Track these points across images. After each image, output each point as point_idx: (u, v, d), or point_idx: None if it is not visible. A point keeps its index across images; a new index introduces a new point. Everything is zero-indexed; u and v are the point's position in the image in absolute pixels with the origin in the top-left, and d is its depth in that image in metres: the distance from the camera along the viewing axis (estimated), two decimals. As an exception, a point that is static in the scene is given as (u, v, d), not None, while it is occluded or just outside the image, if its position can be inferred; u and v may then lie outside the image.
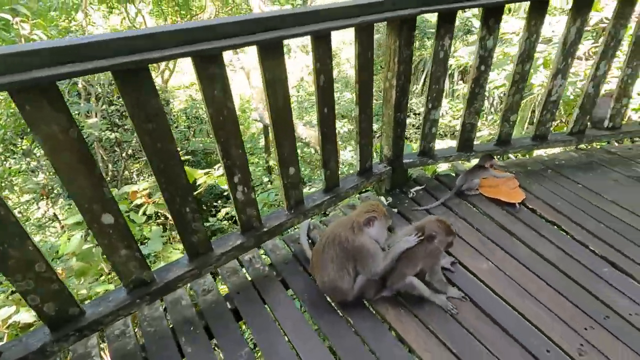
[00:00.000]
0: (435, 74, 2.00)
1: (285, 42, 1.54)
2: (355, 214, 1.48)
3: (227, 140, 1.45)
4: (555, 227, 1.93)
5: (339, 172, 2.01)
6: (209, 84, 1.32)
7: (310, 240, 1.92)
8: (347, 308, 1.55)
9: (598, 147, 2.71)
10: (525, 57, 2.02)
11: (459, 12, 1.94)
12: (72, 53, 1.01)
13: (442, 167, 3.10)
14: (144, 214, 3.11)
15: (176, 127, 8.74)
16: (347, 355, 1.39)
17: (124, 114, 9.16)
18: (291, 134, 1.66)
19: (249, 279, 1.75)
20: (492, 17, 1.87)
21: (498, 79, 4.59)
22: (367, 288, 1.52)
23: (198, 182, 3.47)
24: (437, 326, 1.45)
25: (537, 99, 4.89)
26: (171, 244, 3.32)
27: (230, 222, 6.76)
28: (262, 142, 10.70)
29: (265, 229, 1.76)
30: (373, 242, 1.45)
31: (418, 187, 2.28)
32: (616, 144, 2.92)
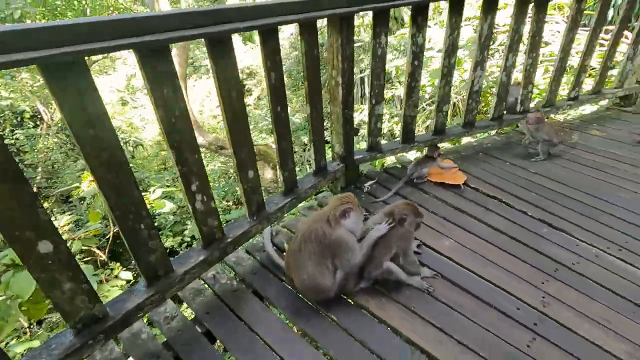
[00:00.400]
0: (376, 70, 2.09)
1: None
2: (330, 208, 1.46)
3: (181, 144, 1.32)
4: (497, 200, 2.12)
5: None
6: (157, 83, 1.19)
7: (275, 247, 1.83)
8: (328, 306, 1.49)
9: (512, 130, 3.09)
10: (450, 51, 2.23)
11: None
12: (-12, 44, 0.84)
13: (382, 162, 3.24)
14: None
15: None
16: (339, 353, 1.33)
17: (20, 148, 7.95)
18: (248, 136, 1.58)
19: (217, 296, 1.59)
20: (419, 15, 2.03)
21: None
22: (347, 281, 1.49)
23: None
24: (417, 306, 1.48)
25: (435, 103, 5.48)
26: (106, 282, 2.91)
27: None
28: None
29: (229, 240, 1.63)
30: (350, 234, 1.43)
31: (371, 182, 2.35)
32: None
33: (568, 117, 3.49)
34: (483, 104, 4.31)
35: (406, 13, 7.18)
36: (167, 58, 1.19)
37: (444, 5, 5.25)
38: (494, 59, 4.21)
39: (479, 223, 1.94)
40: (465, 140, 3.06)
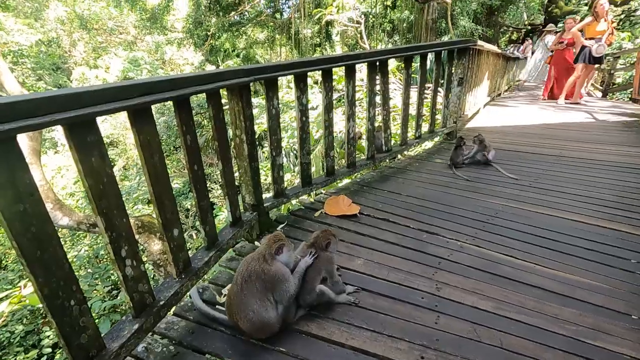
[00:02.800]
0: (273, 127, 2.43)
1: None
2: (263, 247, 1.61)
3: (110, 210, 1.33)
4: (385, 221, 2.61)
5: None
6: (85, 152, 1.22)
7: (206, 303, 1.84)
8: (274, 341, 1.59)
9: (383, 165, 3.81)
10: (329, 108, 2.76)
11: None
12: None
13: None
14: None
15: None
16: (295, 378, 1.44)
17: None
18: (171, 195, 1.65)
19: (156, 366, 1.51)
20: (301, 82, 2.50)
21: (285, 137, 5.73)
22: (288, 313, 1.63)
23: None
24: (351, 318, 1.72)
25: (322, 150, 6.32)
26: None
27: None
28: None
29: (161, 303, 1.59)
30: (285, 267, 1.61)
31: (282, 225, 2.57)
32: (388, 161, 4.17)
33: (418, 151, 4.48)
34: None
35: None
36: (94, 129, 1.25)
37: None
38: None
39: (377, 240, 2.35)
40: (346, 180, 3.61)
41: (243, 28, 21.63)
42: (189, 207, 13.33)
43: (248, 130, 2.23)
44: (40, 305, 2.65)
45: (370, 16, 20.72)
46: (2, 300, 2.69)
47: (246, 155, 2.26)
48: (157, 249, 7.14)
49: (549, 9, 18.56)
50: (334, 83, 2.85)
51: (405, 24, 19.08)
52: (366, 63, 2.96)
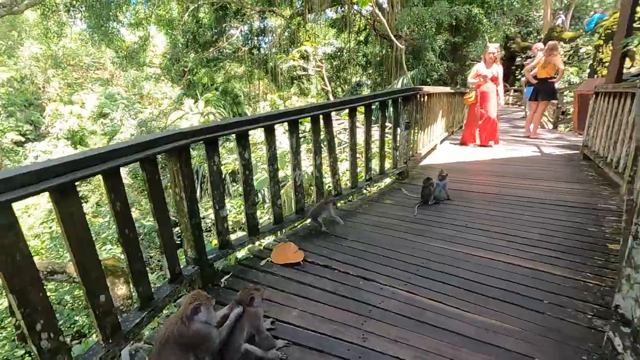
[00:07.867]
0: (215, 182, 2.55)
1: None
2: (181, 310, 1.68)
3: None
4: (327, 268, 2.71)
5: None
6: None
7: (137, 365, 1.86)
8: (197, 404, 1.63)
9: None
10: (272, 160, 2.92)
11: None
12: None
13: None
14: None
15: None
16: None
17: None
18: (97, 263, 1.72)
19: None
20: (242, 139, 2.67)
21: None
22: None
23: None
24: (276, 375, 1.78)
25: (286, 193, 6.53)
26: None
27: None
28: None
29: (83, 372, 1.62)
30: (205, 325, 1.67)
31: (227, 276, 2.64)
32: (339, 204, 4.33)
33: (372, 192, 4.68)
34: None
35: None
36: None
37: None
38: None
39: (316, 290, 2.44)
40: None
41: (221, 63, 22.17)
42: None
43: (187, 189, 2.33)
44: None
45: (345, 51, 21.73)
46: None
47: (186, 212, 2.36)
48: (121, 293, 6.93)
49: (507, 45, 20.02)
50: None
51: (377, 58, 20.09)
52: (309, 118, 3.18)
